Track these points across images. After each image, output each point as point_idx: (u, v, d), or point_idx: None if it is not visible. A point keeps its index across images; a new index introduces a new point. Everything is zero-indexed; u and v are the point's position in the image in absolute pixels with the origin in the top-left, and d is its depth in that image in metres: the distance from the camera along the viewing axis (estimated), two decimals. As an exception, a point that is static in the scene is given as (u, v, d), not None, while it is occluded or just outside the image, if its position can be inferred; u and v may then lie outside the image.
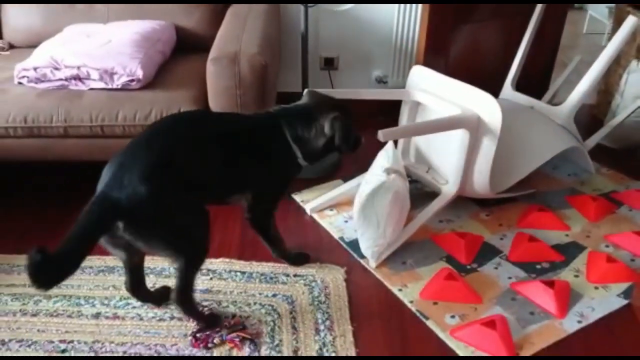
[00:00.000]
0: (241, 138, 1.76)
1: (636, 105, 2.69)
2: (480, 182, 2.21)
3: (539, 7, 2.71)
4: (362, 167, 2.65)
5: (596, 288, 1.97)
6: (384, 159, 2.24)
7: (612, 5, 4.43)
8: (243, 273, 2.06)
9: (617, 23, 4.21)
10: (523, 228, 2.28)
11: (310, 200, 2.46)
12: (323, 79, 3.20)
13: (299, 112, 1.85)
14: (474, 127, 2.12)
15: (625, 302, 1.91)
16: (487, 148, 2.13)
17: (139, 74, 2.22)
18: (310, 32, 2.86)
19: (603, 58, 2.38)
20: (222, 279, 2.03)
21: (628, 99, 2.81)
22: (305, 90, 1.97)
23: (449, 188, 2.27)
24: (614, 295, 1.94)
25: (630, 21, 2.32)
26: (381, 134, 1.89)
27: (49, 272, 1.38)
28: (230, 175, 1.74)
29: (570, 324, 1.82)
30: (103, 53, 2.27)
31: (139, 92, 2.24)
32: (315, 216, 2.39)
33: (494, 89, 2.97)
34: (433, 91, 2.30)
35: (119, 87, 2.24)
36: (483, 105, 2.10)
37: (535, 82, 3.09)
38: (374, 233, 2.04)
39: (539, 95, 3.03)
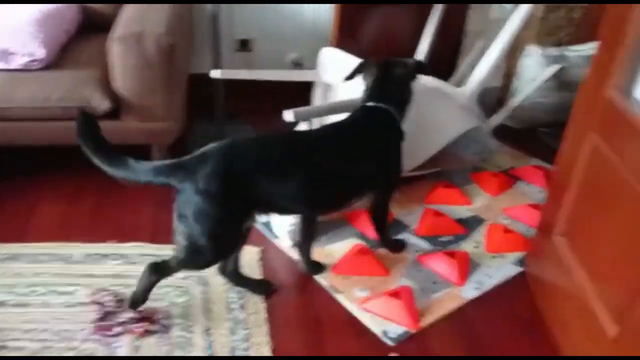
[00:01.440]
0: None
1: (531, 87, 2.86)
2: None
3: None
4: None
5: (493, 257, 2.11)
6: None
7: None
8: (156, 257, 2.04)
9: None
10: (430, 204, 2.40)
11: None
12: (238, 61, 3.18)
13: (376, 84, 1.91)
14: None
15: (519, 269, 2.06)
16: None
17: (40, 53, 2.13)
18: (224, 14, 2.84)
19: (499, 43, 2.51)
20: (133, 263, 2.00)
21: (525, 82, 2.98)
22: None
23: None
24: (509, 264, 2.08)
25: (524, 8, 2.46)
26: (288, 114, 1.92)
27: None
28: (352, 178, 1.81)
29: (469, 291, 1.95)
30: (1, 32, 2.15)
31: (41, 73, 2.15)
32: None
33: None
34: (342, 72, 2.35)
35: (20, 67, 2.13)
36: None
37: (444, 65, 3.21)
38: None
39: (447, 78, 3.18)
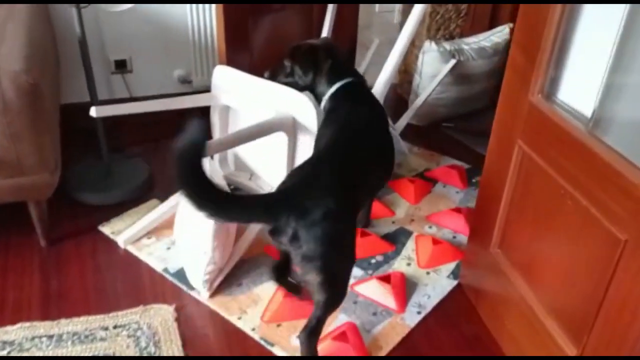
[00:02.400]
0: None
1: (434, 84, 2.82)
2: (305, 183, 2.11)
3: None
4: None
5: (428, 273, 2.01)
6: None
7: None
8: (50, 337, 1.72)
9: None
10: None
11: (122, 231, 2.15)
12: (117, 83, 2.84)
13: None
14: (291, 129, 2.00)
15: (454, 282, 1.98)
16: (308, 148, 2.03)
17: None
18: (92, 35, 2.50)
19: (400, 43, 2.42)
20: (24, 350, 1.66)
21: (426, 78, 2.93)
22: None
23: (275, 195, 2.14)
24: (444, 277, 1.99)
25: (418, 7, 2.38)
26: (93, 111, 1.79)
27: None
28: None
29: (411, 317, 1.82)
30: None
31: None
32: (131, 248, 2.09)
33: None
34: (241, 93, 2.13)
35: None
36: (296, 105, 1.99)
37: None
38: (201, 260, 1.83)
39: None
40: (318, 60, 1.89)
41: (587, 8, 1.33)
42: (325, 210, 1.39)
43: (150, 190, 2.43)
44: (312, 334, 1.53)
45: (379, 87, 2.47)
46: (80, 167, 2.44)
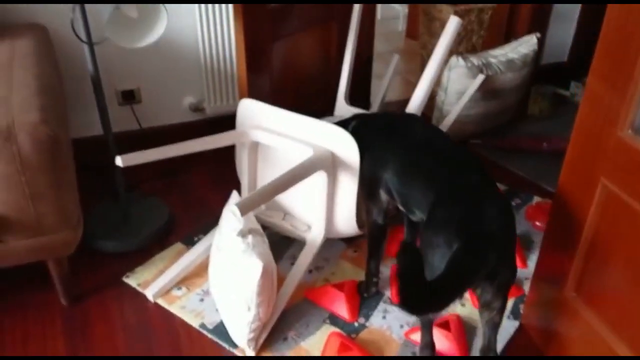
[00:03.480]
0: None
1: (463, 101, 2.67)
2: (346, 221, 1.96)
3: (357, 8, 2.51)
4: (202, 222, 2.26)
5: (487, 314, 1.85)
6: (231, 215, 1.86)
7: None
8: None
9: (412, 6, 4.31)
10: (395, 257, 2.09)
11: (149, 281, 1.97)
12: (125, 115, 2.66)
13: None
14: (330, 165, 1.85)
15: (516, 323, 1.83)
16: (348, 185, 1.88)
17: None
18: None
19: (435, 60, 2.27)
20: None
21: (452, 94, 2.78)
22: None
23: (315, 235, 1.98)
24: (505, 319, 1.83)
25: (453, 21, 2.23)
26: (119, 160, 1.64)
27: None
28: None
29: (478, 367, 1.67)
30: None
31: None
32: (161, 302, 1.92)
33: (323, 103, 2.76)
34: (272, 128, 1.97)
35: None
36: (335, 140, 1.83)
37: (355, 88, 2.91)
38: (245, 317, 1.67)
39: (364, 103, 2.91)
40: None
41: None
42: (510, 227, 1.42)
43: (172, 232, 2.26)
44: (491, 350, 1.55)
45: (415, 104, 2.31)
46: (96, 211, 2.26)
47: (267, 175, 2.08)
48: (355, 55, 2.54)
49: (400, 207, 1.74)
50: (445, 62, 2.80)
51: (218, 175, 2.61)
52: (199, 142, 1.88)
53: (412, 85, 3.44)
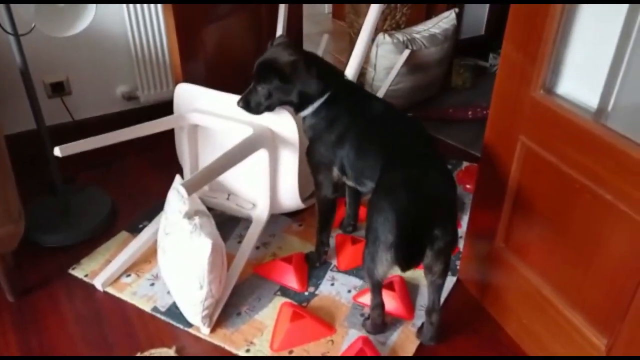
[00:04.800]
0: None
1: (392, 76, 2.79)
2: (290, 196, 2.03)
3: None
4: (145, 209, 2.26)
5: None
6: (176, 199, 1.88)
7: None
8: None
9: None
10: (340, 228, 2.19)
11: (96, 272, 1.97)
12: (55, 107, 2.59)
13: None
14: (270, 143, 1.90)
15: (454, 278, 1.97)
16: (290, 161, 1.95)
17: None
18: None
19: (363, 38, 2.34)
20: None
21: (380, 70, 2.90)
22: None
23: (260, 212, 2.04)
24: (443, 276, 1.97)
25: (375, 6, 2.33)
26: (57, 150, 1.62)
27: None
28: None
29: (420, 322, 1.79)
30: None
31: None
32: (111, 290, 1.92)
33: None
34: (210, 110, 2.00)
35: None
36: (273, 118, 1.89)
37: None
38: (198, 296, 1.71)
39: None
40: (298, 71, 1.69)
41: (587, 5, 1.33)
42: (451, 199, 1.55)
43: (115, 221, 2.25)
44: (434, 310, 1.68)
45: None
46: (34, 205, 2.22)
47: (209, 158, 2.10)
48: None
49: (350, 182, 1.79)
50: (372, 39, 2.91)
51: (155, 161, 2.61)
52: (137, 128, 1.88)
53: (341, 64, 3.55)
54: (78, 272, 1.99)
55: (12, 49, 1.88)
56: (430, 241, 1.46)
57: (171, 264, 1.81)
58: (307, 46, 3.25)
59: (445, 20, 3.01)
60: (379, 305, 1.72)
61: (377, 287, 1.68)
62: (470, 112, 2.97)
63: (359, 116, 1.72)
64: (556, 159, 1.42)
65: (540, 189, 1.51)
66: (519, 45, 1.47)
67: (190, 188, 1.52)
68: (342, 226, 2.19)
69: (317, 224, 1.97)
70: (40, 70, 2.49)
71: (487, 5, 3.71)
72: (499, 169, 1.63)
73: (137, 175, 2.55)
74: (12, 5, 1.79)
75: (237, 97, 1.95)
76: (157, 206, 2.26)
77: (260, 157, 1.92)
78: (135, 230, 2.17)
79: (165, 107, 2.76)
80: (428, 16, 3.50)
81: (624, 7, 1.26)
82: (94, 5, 1.76)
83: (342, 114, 1.72)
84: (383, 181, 1.55)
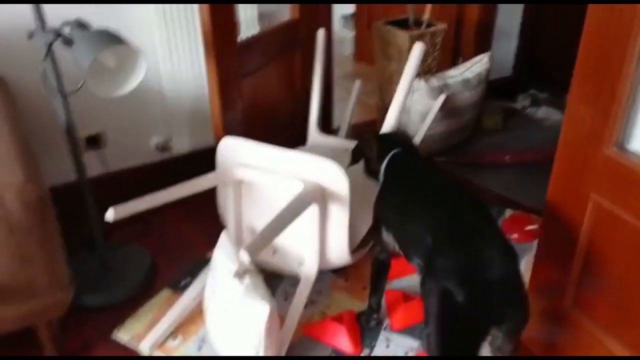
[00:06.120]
0: None
1: (428, 121, 2.76)
2: (339, 253, 1.97)
3: (321, 34, 2.55)
4: (186, 264, 2.21)
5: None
6: (224, 257, 1.83)
7: (348, 14, 4.64)
8: None
9: (359, 31, 4.42)
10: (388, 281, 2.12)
11: (141, 334, 1.90)
12: (91, 162, 2.56)
13: None
14: (321, 199, 1.86)
15: (513, 336, 1.88)
16: (340, 216, 1.90)
17: None
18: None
19: (404, 84, 2.33)
20: None
21: (415, 115, 2.87)
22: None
23: (309, 269, 1.98)
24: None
25: (418, 47, 2.32)
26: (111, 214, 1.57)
27: None
28: None
29: (487, 386, 1.71)
30: None
31: None
32: (159, 354, 1.85)
33: (293, 132, 2.78)
34: (256, 164, 1.96)
35: None
36: (323, 173, 1.85)
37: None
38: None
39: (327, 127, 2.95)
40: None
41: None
42: (515, 269, 1.38)
43: (156, 278, 2.19)
44: None
45: (388, 127, 2.36)
46: (73, 264, 2.16)
47: (253, 214, 2.07)
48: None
49: (400, 250, 1.69)
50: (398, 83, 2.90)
51: (192, 211, 2.55)
52: (185, 186, 1.84)
53: (369, 107, 3.54)
54: (122, 335, 1.92)
55: (55, 106, 1.86)
56: (499, 322, 1.35)
57: (222, 327, 1.74)
58: (335, 90, 3.24)
59: (478, 65, 3.00)
60: None
61: None
62: (508, 156, 2.93)
63: (410, 180, 1.71)
64: (634, 217, 1.36)
65: (616, 247, 1.45)
66: (588, 100, 1.43)
67: (253, 253, 1.47)
68: (359, 320, 1.99)
69: (370, 285, 1.90)
70: (77, 125, 2.46)
71: (515, 46, 3.71)
72: (567, 226, 1.57)
73: (174, 228, 2.50)
74: (63, 65, 1.77)
75: (284, 151, 1.93)
76: (197, 261, 2.22)
77: (311, 212, 1.87)
78: (178, 288, 2.11)
79: (197, 157, 2.76)
80: (455, 59, 3.51)
81: None
82: (144, 63, 1.73)
83: (397, 175, 1.72)
84: (434, 264, 1.41)
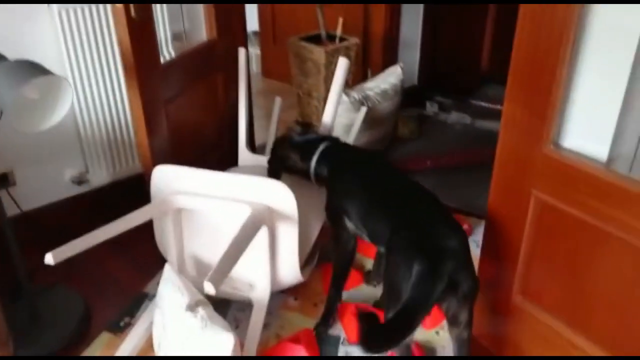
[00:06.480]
0: None
1: (354, 134, 2.80)
2: (290, 272, 1.95)
3: (242, 53, 2.52)
4: (121, 303, 2.08)
5: (437, 333, 1.97)
6: (171, 291, 1.75)
7: (252, 31, 4.62)
8: None
9: (264, 47, 4.41)
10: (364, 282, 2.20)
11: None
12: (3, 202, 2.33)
13: None
14: (269, 220, 1.83)
15: (465, 333, 1.96)
16: (290, 235, 1.88)
17: None
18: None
19: (333, 99, 2.36)
20: None
21: (339, 128, 2.90)
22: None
23: (261, 293, 1.93)
24: (454, 333, 1.96)
25: (343, 62, 2.36)
26: (50, 257, 1.51)
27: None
28: None
29: (450, 385, 1.76)
30: None
31: None
32: (110, 402, 1.72)
33: (221, 153, 2.71)
34: (195, 191, 1.89)
35: None
36: (270, 194, 1.82)
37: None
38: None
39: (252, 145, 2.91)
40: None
41: (589, 63, 1.41)
42: (464, 243, 1.52)
43: (91, 321, 2.04)
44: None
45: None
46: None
47: (195, 242, 1.99)
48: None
49: (367, 238, 1.80)
50: (318, 97, 2.94)
51: (119, 247, 2.39)
52: (121, 222, 1.72)
53: (285, 123, 3.54)
54: (65, 389, 1.76)
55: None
56: (454, 288, 1.47)
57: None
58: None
59: (393, 76, 3.11)
60: None
61: (405, 351, 1.63)
62: (429, 161, 3.05)
63: (357, 174, 1.84)
64: (575, 209, 1.47)
65: (559, 237, 1.55)
66: (524, 104, 1.52)
67: (218, 283, 1.40)
68: (367, 279, 2.20)
69: (331, 278, 1.94)
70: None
71: (418, 57, 3.89)
72: (511, 223, 1.66)
73: (101, 265, 2.33)
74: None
75: (226, 175, 1.88)
76: (134, 299, 2.10)
77: (259, 235, 1.82)
78: (118, 330, 1.98)
79: (117, 188, 2.61)
80: (365, 70, 3.61)
81: (627, 65, 1.35)
82: (70, 92, 1.61)
83: (341, 164, 1.90)
84: (393, 244, 1.56)
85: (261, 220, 1.79)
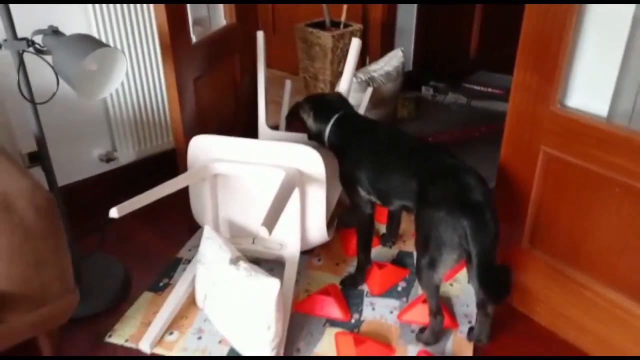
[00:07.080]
0: None
1: (362, 111, 2.99)
2: (318, 232, 2.12)
3: (260, 36, 2.68)
4: (158, 266, 2.24)
5: (451, 285, 2.16)
6: (213, 249, 1.91)
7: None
8: None
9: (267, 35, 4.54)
10: (380, 244, 2.39)
11: (136, 335, 1.91)
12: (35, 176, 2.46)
13: None
14: (300, 183, 2.00)
15: (476, 284, 2.15)
16: (317, 197, 2.05)
17: None
18: None
19: (346, 78, 2.53)
20: None
21: (347, 108, 3.09)
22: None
23: (292, 251, 2.10)
24: (467, 285, 2.15)
25: (355, 42, 2.53)
26: (114, 211, 1.62)
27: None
28: None
29: (466, 328, 1.95)
30: None
31: None
32: (159, 351, 1.87)
33: (240, 130, 2.87)
34: (232, 158, 2.06)
35: None
36: (301, 158, 1.99)
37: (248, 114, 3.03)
38: (266, 337, 1.74)
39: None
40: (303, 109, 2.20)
41: (592, 29, 1.61)
42: (491, 192, 1.74)
43: (132, 284, 2.19)
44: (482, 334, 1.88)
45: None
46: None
47: (230, 206, 2.15)
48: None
49: (378, 202, 1.97)
50: (324, 80, 3.12)
51: (146, 220, 2.54)
52: (176, 181, 1.89)
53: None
54: (116, 339, 1.91)
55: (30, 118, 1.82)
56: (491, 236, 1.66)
57: (227, 311, 1.82)
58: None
59: (395, 58, 3.30)
60: (440, 310, 1.84)
61: (436, 292, 1.81)
62: (430, 139, 3.25)
63: (364, 141, 1.99)
64: (579, 159, 1.67)
65: (566, 188, 1.76)
66: (533, 69, 1.72)
67: (270, 227, 1.57)
68: (382, 242, 2.38)
69: (357, 243, 2.10)
70: (15, 141, 2.38)
71: (413, 44, 4.09)
72: (521, 177, 1.86)
73: (132, 237, 2.48)
74: (39, 72, 1.75)
75: (256, 142, 2.05)
76: (169, 263, 2.25)
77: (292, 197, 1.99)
78: (159, 289, 2.13)
79: (146, 164, 2.75)
80: (364, 55, 3.80)
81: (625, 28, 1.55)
82: (124, 62, 1.76)
83: (349, 134, 2.03)
84: (429, 196, 1.72)
85: (294, 182, 1.96)
